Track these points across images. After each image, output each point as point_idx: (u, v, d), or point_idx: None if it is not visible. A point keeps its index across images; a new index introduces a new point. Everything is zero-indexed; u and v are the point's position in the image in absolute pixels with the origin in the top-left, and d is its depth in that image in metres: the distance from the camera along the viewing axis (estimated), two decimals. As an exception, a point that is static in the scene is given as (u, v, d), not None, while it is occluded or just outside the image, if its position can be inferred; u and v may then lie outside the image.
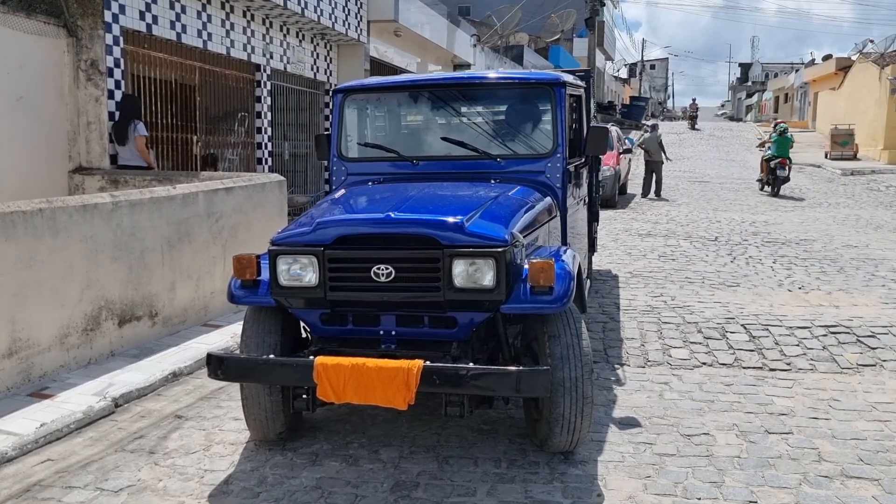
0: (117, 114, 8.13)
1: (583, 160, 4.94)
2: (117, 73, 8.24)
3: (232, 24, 10.50)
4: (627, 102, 50.16)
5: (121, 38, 8.26)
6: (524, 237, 3.74)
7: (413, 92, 4.88)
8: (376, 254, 3.44)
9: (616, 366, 5.10)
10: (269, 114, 11.71)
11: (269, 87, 11.61)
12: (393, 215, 3.52)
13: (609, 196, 14.37)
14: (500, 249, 3.36)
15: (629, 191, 17.72)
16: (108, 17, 8.08)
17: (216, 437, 4.07)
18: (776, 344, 5.47)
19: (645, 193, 16.41)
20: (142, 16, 8.61)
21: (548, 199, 4.40)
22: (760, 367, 5.06)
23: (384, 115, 5.01)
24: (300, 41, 12.65)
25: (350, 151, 4.88)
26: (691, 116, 43.33)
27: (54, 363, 4.99)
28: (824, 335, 5.61)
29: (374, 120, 4.98)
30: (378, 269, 3.42)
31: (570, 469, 3.61)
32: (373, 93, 4.93)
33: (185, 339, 5.93)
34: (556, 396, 3.48)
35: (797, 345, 5.45)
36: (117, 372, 5.12)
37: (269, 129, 11.76)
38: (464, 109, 4.85)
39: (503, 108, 4.84)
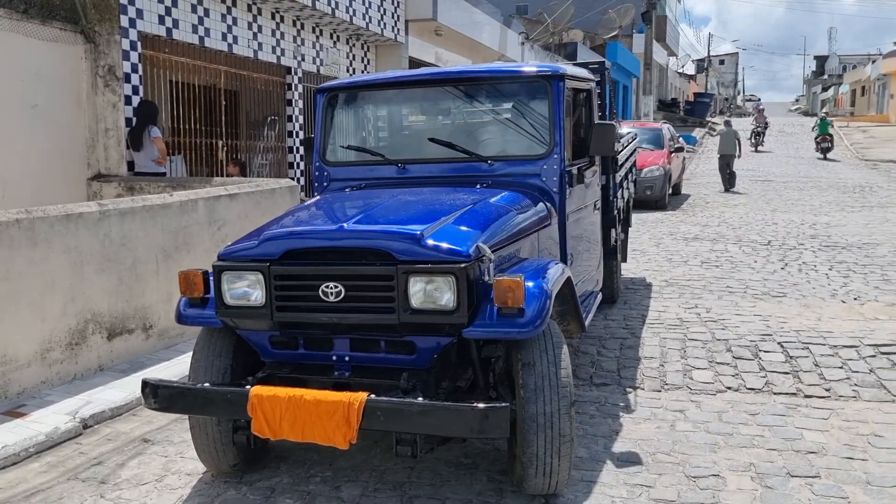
0: (134, 120, 8.01)
1: (587, 161, 4.44)
2: (135, 79, 8.14)
3: (260, 27, 10.33)
4: (692, 99, 48.59)
5: (138, 44, 8.15)
6: (500, 250, 3.30)
7: (399, 90, 4.49)
8: (323, 270, 3.06)
9: (628, 389, 4.58)
10: (300, 117, 11.51)
11: (300, 90, 11.41)
12: (346, 227, 3.14)
13: (658, 197, 13.66)
14: (461, 265, 2.94)
15: (684, 191, 16.89)
16: (124, 21, 7.98)
17: (174, 467, 3.77)
18: (816, 366, 4.84)
19: (726, 188, 16.83)
20: (161, 20, 8.49)
21: (539, 206, 3.93)
22: (794, 394, 4.45)
23: (369, 116, 4.63)
24: (334, 42, 12.43)
25: (333, 155, 4.52)
26: (756, 133, 28.80)
27: (34, 379, 4.80)
28: (873, 356, 4.95)
29: (358, 121, 4.61)
30: (327, 287, 3.04)
31: (548, 517, 3.15)
32: (356, 91, 4.55)
33: (182, 352, 5.68)
34: (528, 434, 3.03)
35: (840, 367, 4.81)
36: (100, 389, 4.90)
37: (301, 133, 11.56)
38: (454, 107, 4.43)
39: (496, 104, 4.39)
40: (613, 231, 5.55)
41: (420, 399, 2.82)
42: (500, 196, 3.76)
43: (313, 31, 11.70)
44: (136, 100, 8.11)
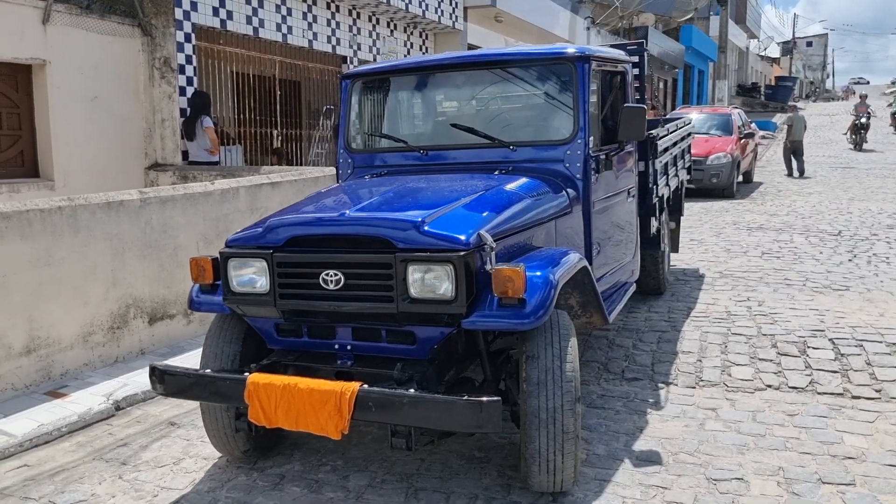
0: (188, 110, 8.21)
1: (617, 146, 4.24)
2: (189, 70, 8.33)
3: (315, 17, 10.41)
4: (773, 84, 46.58)
5: (192, 35, 8.34)
6: (508, 238, 3.19)
7: (421, 75, 4.40)
8: (323, 257, 3.02)
9: (660, 385, 4.38)
10: (356, 106, 11.56)
11: (356, 79, 11.45)
12: (348, 214, 3.09)
13: (725, 185, 13.12)
14: (459, 253, 2.84)
15: (756, 178, 16.18)
16: (178, 14, 8.17)
17: (193, 450, 3.83)
18: (868, 364, 4.51)
19: (790, 173, 16.32)
20: (215, 12, 8.65)
21: (559, 193, 3.79)
22: (840, 394, 4.16)
23: (393, 102, 4.56)
24: (391, 31, 12.43)
25: (357, 142, 4.48)
26: (859, 127, 21.76)
27: (77, 361, 4.97)
28: (935, 356, 4.58)
29: (382, 107, 4.55)
30: (327, 274, 3.00)
31: (553, 515, 3.03)
32: (379, 77, 4.49)
33: (221, 337, 5.79)
34: (530, 430, 2.92)
35: (895, 367, 4.47)
36: (139, 372, 5.03)
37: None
38: (477, 91, 4.31)
39: (519, 88, 4.24)
40: (654, 220, 5.32)
41: (412, 391, 2.75)
42: (516, 182, 3.63)
43: (369, 20, 11.72)
44: (190, 90, 8.31)
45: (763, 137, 23.06)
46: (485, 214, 3.16)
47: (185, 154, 8.33)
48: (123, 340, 5.28)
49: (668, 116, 8.58)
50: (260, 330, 3.33)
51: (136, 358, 5.34)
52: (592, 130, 4.10)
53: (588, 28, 19.45)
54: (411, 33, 13.00)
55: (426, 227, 2.93)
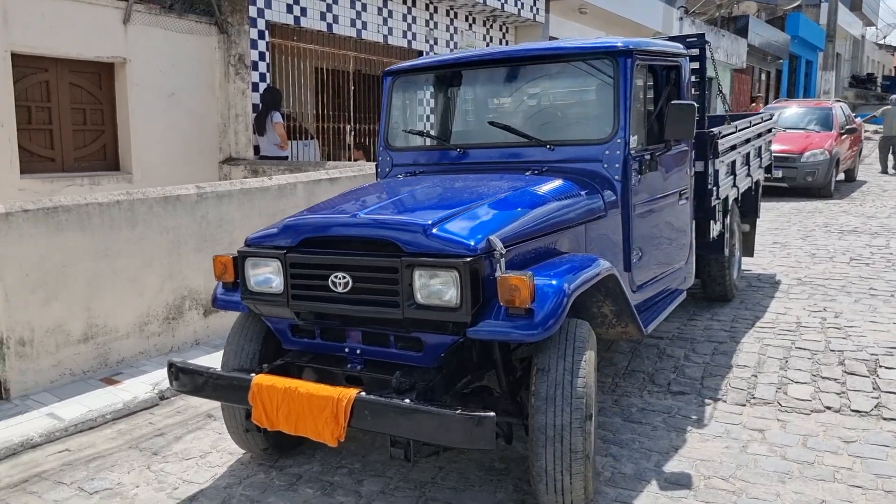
0: (259, 106, 8.41)
1: (663, 146, 3.99)
2: (262, 67, 8.52)
3: (390, 12, 10.44)
4: (893, 74, 43.48)
5: (266, 33, 8.52)
6: (525, 243, 3.05)
7: (461, 71, 4.28)
8: (332, 259, 2.97)
9: (707, 401, 4.11)
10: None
11: (432, 73, 11.43)
12: (360, 215, 3.03)
13: (822, 184, 12.30)
14: (466, 259, 2.73)
15: (860, 176, 15.12)
16: (252, 12, 8.36)
17: (221, 445, 3.88)
18: (947, 389, 4.08)
19: (884, 170, 15.48)
20: (289, 9, 8.81)
21: (593, 196, 3.59)
22: (909, 421, 3.78)
23: (433, 99, 4.47)
24: (470, 25, 12.32)
25: (396, 140, 4.42)
26: None
27: (133, 350, 5.16)
28: None
29: (421, 105, 4.47)
30: (336, 276, 2.95)
31: (562, 537, 2.87)
32: (419, 74, 4.41)
33: (274, 331, 5.88)
34: (536, 447, 2.78)
35: (979, 393, 4.02)
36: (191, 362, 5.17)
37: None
38: (516, 88, 4.16)
39: (559, 84, 4.06)
40: (714, 223, 5.00)
41: (407, 401, 2.66)
42: (544, 184, 3.47)
43: (447, 14, 11.66)
44: (262, 87, 8.50)
45: (876, 132, 21.52)
46: (500, 218, 3.03)
47: (256, 149, 8.53)
48: (178, 331, 5.44)
49: (734, 113, 8.05)
50: (276, 330, 3.33)
51: (190, 348, 5.50)
52: (636, 129, 3.88)
53: (681, 18, 18.67)
54: (490, 27, 12.85)
55: (433, 231, 2.83)
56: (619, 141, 3.71)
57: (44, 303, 4.63)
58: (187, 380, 3.17)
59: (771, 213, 10.93)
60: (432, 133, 4.30)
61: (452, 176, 3.83)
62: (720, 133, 4.85)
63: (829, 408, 3.96)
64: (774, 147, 12.38)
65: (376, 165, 4.49)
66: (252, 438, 3.47)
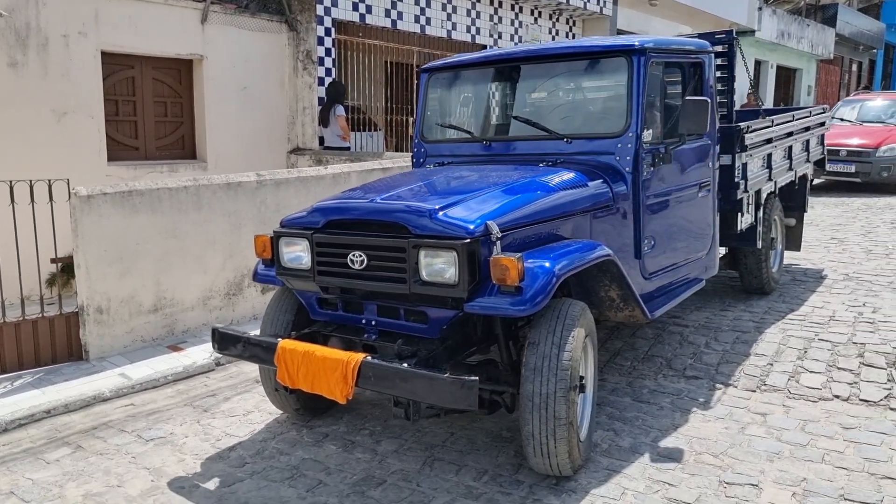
0: (324, 99, 8.89)
1: (677, 139, 4.15)
2: (328, 62, 9.00)
3: (454, 7, 10.75)
4: None
5: (332, 30, 8.98)
6: (524, 228, 3.33)
7: (489, 69, 4.57)
8: (350, 239, 3.34)
9: (718, 386, 4.26)
10: (495, 94, 11.80)
11: (495, 67, 11.68)
12: (377, 200, 3.38)
13: (894, 180, 11.87)
14: (464, 241, 3.04)
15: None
16: (319, 10, 8.84)
17: (264, 406, 4.32)
18: (962, 384, 4.09)
19: None
20: (354, 7, 9.25)
21: (601, 187, 3.82)
22: (917, 412, 3.84)
23: (464, 95, 4.76)
24: (535, 19, 12.49)
25: (430, 133, 4.75)
26: None
27: (197, 321, 5.71)
28: None
29: (453, 99, 4.77)
30: (354, 255, 3.32)
31: (548, 498, 3.15)
32: (451, 71, 4.71)
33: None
34: (524, 413, 3.07)
35: None
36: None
37: (495, 109, 11.85)
38: (539, 84, 4.41)
39: (579, 81, 4.29)
40: (741, 216, 5.10)
41: (405, 365, 2.99)
42: (552, 175, 3.72)
43: (511, 9, 11.87)
44: (328, 81, 8.97)
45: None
46: (502, 205, 3.31)
47: (321, 140, 9.03)
48: (238, 305, 5.96)
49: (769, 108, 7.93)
50: (305, 302, 3.72)
51: (248, 321, 6.01)
52: (652, 123, 4.07)
53: (760, 8, 18.16)
54: (557, 20, 12.97)
55: (438, 216, 3.15)
56: (630, 135, 3.92)
57: (119, 276, 5.21)
58: (227, 343, 3.60)
59: (838, 208, 10.68)
60: (463, 127, 4.60)
61: (473, 167, 4.13)
62: (749, 127, 4.95)
63: (837, 396, 4.06)
64: (847, 141, 12.09)
65: (412, 156, 4.83)
66: (284, 398, 3.88)
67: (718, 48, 5.15)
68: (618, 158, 3.96)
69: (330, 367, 3.13)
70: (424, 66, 4.82)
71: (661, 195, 4.18)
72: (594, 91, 4.24)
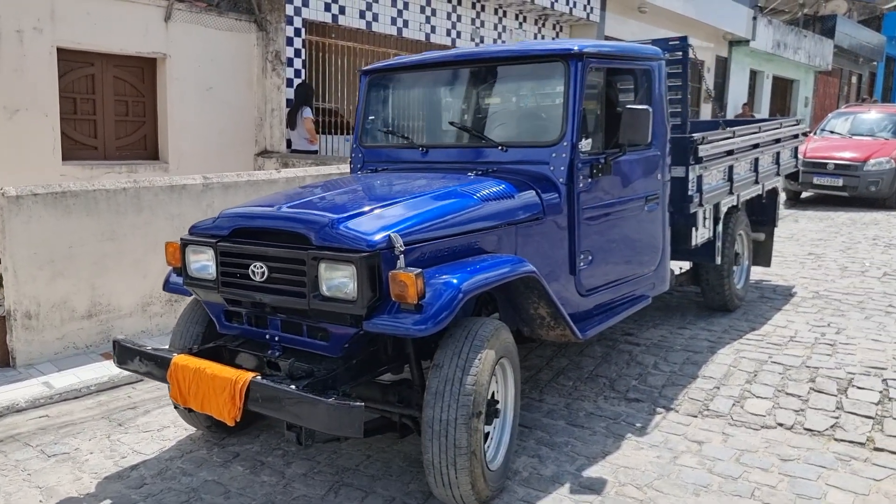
0: (292, 101, 8.70)
1: (618, 150, 3.94)
2: (297, 63, 8.81)
3: (433, 10, 10.57)
4: None
5: (302, 30, 8.80)
6: (436, 242, 3.12)
7: (426, 72, 4.36)
8: (251, 250, 3.13)
9: (659, 410, 4.04)
10: (475, 99, 11.61)
11: (476, 72, 11.49)
12: (283, 209, 3.18)
13: (886, 195, 11.67)
14: (363, 254, 2.83)
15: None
16: (289, 10, 8.65)
17: (181, 421, 4.09)
18: (915, 414, 3.87)
19: None
20: (327, 7, 9.07)
21: (529, 198, 3.61)
22: (861, 443, 3.61)
23: (401, 99, 4.56)
24: (520, 24, 12.30)
25: (367, 137, 4.55)
26: None
27: (135, 328, 5.50)
28: None
29: (392, 104, 4.57)
30: (255, 266, 3.11)
31: (452, 530, 2.94)
32: (390, 74, 4.51)
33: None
34: (424, 439, 2.86)
35: (949, 420, 3.79)
36: (186, 342, 5.47)
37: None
38: (477, 90, 4.20)
39: (516, 87, 4.09)
40: (696, 230, 4.88)
41: (292, 387, 2.78)
42: (476, 185, 3.51)
43: (495, 13, 11.69)
44: (297, 82, 8.79)
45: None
46: (412, 216, 3.10)
47: (289, 142, 8.84)
48: (180, 312, 5.73)
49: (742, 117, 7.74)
50: (212, 314, 3.51)
51: (191, 330, 5.79)
52: (592, 132, 3.86)
53: (755, 18, 17.94)
54: (542, 25, 12.78)
55: (338, 227, 2.95)
56: (566, 144, 3.71)
57: (50, 279, 5.00)
58: (125, 357, 3.39)
59: (823, 222, 10.46)
60: (402, 132, 4.39)
61: (403, 174, 3.93)
62: (703, 139, 4.73)
63: (781, 424, 3.84)
64: (835, 154, 11.86)
65: (350, 161, 4.63)
66: (193, 415, 3.67)
67: (677, 55, 4.94)
68: (552, 168, 3.75)
69: (219, 386, 2.92)
70: (364, 69, 4.62)
71: (601, 208, 3.96)
72: (532, 97, 4.04)
